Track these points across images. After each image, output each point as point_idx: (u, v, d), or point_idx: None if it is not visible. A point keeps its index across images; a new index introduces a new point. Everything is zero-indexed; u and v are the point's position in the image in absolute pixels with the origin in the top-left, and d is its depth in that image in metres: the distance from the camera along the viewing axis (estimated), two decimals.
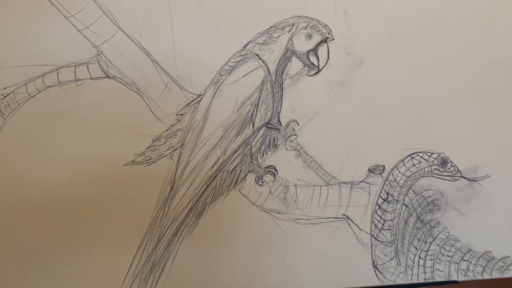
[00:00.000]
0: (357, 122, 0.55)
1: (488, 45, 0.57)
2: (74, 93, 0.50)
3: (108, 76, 0.51)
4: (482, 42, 0.57)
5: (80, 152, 0.51)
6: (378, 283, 0.56)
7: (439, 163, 0.56)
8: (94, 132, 0.51)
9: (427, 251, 0.57)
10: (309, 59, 0.54)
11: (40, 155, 0.50)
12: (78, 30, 0.50)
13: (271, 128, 0.54)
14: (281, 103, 0.54)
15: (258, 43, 0.53)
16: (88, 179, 0.51)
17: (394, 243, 0.56)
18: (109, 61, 0.51)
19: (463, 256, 0.58)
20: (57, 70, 0.50)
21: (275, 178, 0.54)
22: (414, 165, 0.56)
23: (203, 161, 0.52)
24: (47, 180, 0.50)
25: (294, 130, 0.54)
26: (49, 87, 0.50)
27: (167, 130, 0.52)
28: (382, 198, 0.56)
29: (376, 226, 0.56)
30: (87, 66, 0.50)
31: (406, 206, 0.56)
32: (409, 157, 0.56)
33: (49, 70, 0.50)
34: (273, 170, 0.54)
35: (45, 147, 0.50)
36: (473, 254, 0.58)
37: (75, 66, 0.50)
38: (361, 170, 0.56)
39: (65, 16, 0.50)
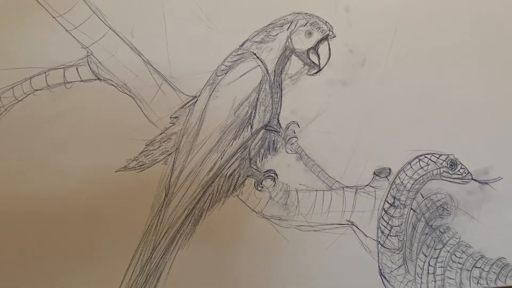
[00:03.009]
0: (361, 123, 0.53)
1: (499, 41, 0.55)
2: (63, 96, 0.49)
3: (98, 78, 0.49)
4: (493, 38, 0.55)
5: (70, 158, 0.49)
6: None
7: (448, 165, 0.55)
8: (85, 137, 0.49)
9: (437, 258, 0.55)
10: (309, 58, 0.52)
11: (28, 162, 0.48)
12: (66, 30, 0.48)
13: (271, 130, 0.52)
14: (281, 104, 0.52)
15: (256, 42, 0.51)
16: (79, 186, 0.49)
17: (402, 250, 0.54)
18: (100, 62, 0.49)
19: (475, 263, 0.56)
20: (45, 72, 0.48)
21: (275, 183, 0.52)
22: (421, 167, 0.54)
23: (199, 166, 0.51)
24: (35, 188, 0.48)
25: (294, 132, 0.53)
26: (37, 90, 0.48)
27: (161, 134, 0.50)
28: (388, 202, 0.54)
29: (382, 232, 0.54)
30: (77, 68, 0.49)
31: (414, 211, 0.55)
32: (417, 159, 0.54)
33: (36, 72, 0.48)
34: (273, 175, 0.52)
35: (33, 153, 0.48)
36: (485, 261, 0.56)
37: (64, 68, 0.49)
38: (366, 173, 0.54)
39: (53, 16, 0.48)
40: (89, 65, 0.49)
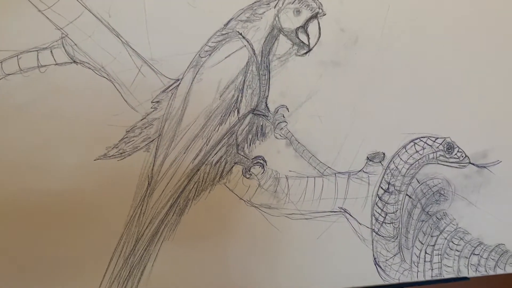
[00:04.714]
0: (354, 105, 0.52)
1: (497, 21, 0.54)
2: (37, 81, 0.46)
3: (74, 61, 0.47)
4: (491, 17, 0.54)
5: (45, 146, 0.46)
6: (380, 282, 0.53)
7: (445, 148, 0.53)
8: (61, 124, 0.47)
9: (434, 245, 0.54)
10: (298, 37, 0.50)
11: (0, 151, 0.46)
12: (39, 10, 0.46)
13: (258, 114, 0.50)
14: (269, 87, 0.50)
15: (241, 21, 0.49)
16: (56, 176, 0.47)
17: (397, 237, 0.53)
18: (75, 44, 0.47)
19: (474, 250, 0.55)
20: (17, 55, 0.46)
21: (264, 170, 0.51)
22: (417, 151, 0.53)
23: (184, 153, 0.49)
24: (9, 179, 0.46)
25: (283, 117, 0.51)
26: (9, 75, 0.46)
27: (142, 120, 0.48)
28: (382, 188, 0.53)
29: (377, 219, 0.53)
30: (51, 51, 0.47)
31: (410, 197, 0.53)
32: (412, 143, 0.53)
33: (8, 56, 0.46)
34: (261, 161, 0.51)
35: (5, 142, 0.46)
36: (484, 248, 0.55)
37: (37, 51, 0.46)
38: (359, 158, 0.52)
39: None
40: (64, 47, 0.47)
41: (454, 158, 0.53)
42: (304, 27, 0.50)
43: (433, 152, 0.53)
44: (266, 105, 0.50)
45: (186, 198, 0.49)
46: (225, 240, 0.50)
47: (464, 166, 0.54)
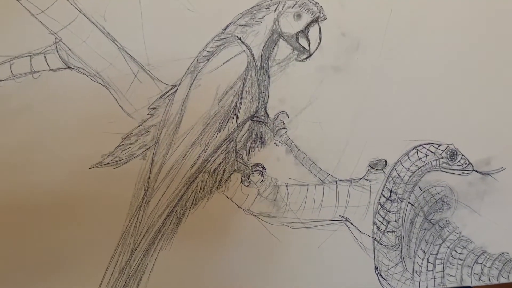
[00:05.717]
0: (355, 112, 0.51)
1: (500, 25, 0.53)
2: (31, 87, 0.46)
3: (69, 67, 0.46)
4: (495, 21, 0.53)
5: (39, 154, 0.46)
6: None
7: (448, 155, 0.52)
8: (55, 132, 0.46)
9: (437, 254, 0.53)
10: (298, 42, 0.49)
11: None
12: (32, 14, 0.45)
13: (258, 121, 0.50)
14: (268, 93, 0.50)
15: (240, 25, 0.48)
16: (50, 184, 0.46)
17: (399, 246, 0.52)
18: (70, 49, 0.46)
19: (477, 258, 0.54)
20: (9, 61, 0.45)
21: (263, 178, 0.50)
22: (420, 158, 0.52)
23: (181, 161, 0.48)
24: (0, 186, 0.45)
25: (283, 123, 0.50)
26: (1, 81, 0.45)
27: (138, 127, 0.47)
28: (384, 196, 0.52)
29: (378, 228, 0.52)
30: (45, 56, 0.46)
31: (412, 205, 0.52)
32: (414, 150, 0.52)
33: (0, 61, 0.45)
34: (261, 169, 0.50)
35: None
36: (487, 256, 0.54)
37: (30, 56, 0.46)
38: (361, 166, 0.52)
39: None
40: (58, 52, 0.46)
41: (457, 165, 0.52)
42: (304, 31, 0.49)
43: (436, 159, 0.52)
44: (266, 111, 0.50)
45: (183, 207, 0.48)
46: (223, 250, 0.49)
47: (468, 173, 0.53)
